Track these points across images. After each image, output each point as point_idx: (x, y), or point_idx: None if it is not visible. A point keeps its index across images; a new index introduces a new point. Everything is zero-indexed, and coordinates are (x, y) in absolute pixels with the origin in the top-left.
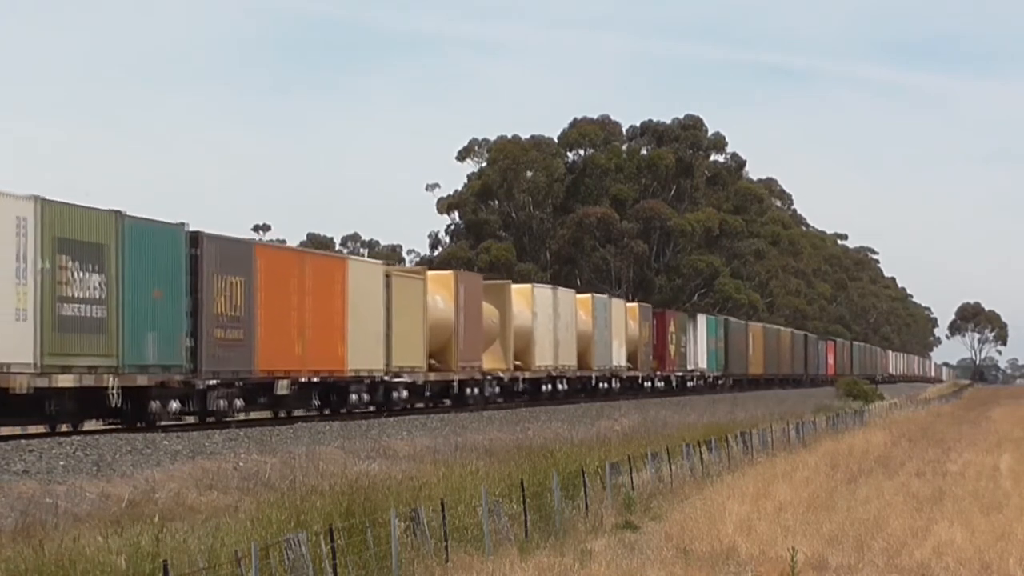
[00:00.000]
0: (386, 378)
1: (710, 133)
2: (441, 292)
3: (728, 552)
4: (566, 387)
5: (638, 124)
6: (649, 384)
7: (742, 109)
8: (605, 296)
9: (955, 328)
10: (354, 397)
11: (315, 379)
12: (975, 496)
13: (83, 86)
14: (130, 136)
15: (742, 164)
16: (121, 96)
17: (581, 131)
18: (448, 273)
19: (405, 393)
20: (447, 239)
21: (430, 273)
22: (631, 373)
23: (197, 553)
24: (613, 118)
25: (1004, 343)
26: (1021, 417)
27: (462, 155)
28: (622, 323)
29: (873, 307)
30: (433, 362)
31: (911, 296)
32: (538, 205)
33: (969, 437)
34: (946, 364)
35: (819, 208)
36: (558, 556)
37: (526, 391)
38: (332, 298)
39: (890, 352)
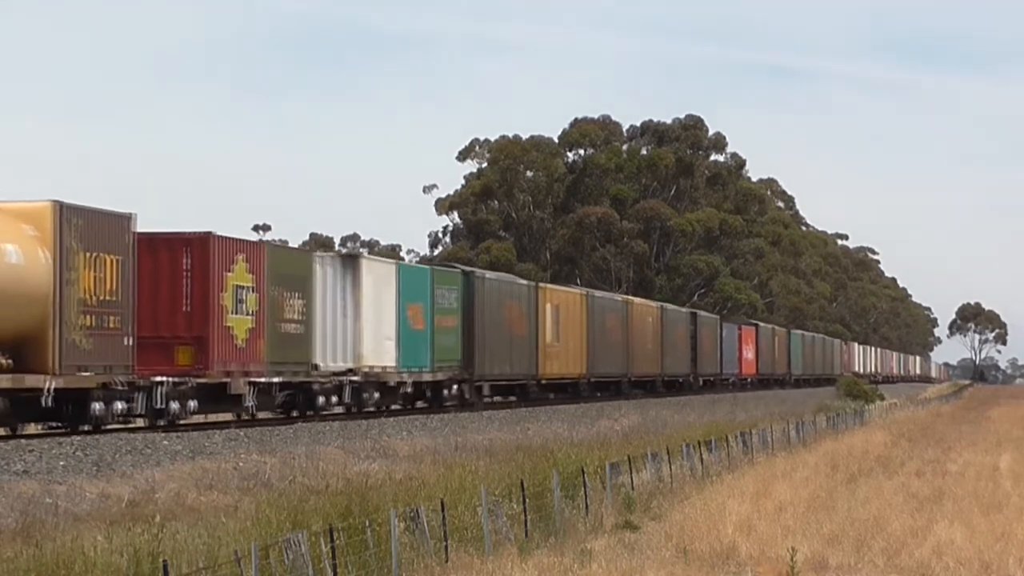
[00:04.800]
0: None
1: (710, 133)
2: None
3: (728, 552)
4: None
5: (638, 124)
6: (101, 406)
7: (742, 109)
8: None
9: (955, 328)
10: None
11: None
12: (975, 496)
13: (83, 86)
14: (129, 136)
15: (742, 164)
16: (120, 96)
17: (581, 131)
18: None
19: None
20: (447, 239)
21: None
22: None
23: (197, 553)
24: (613, 118)
25: (1004, 343)
26: (1021, 417)
27: (462, 155)
28: None
29: (873, 307)
30: None
31: (911, 296)
32: (538, 205)
33: (969, 437)
34: (946, 364)
35: (819, 208)
36: (558, 556)
37: None
38: None
39: (856, 346)
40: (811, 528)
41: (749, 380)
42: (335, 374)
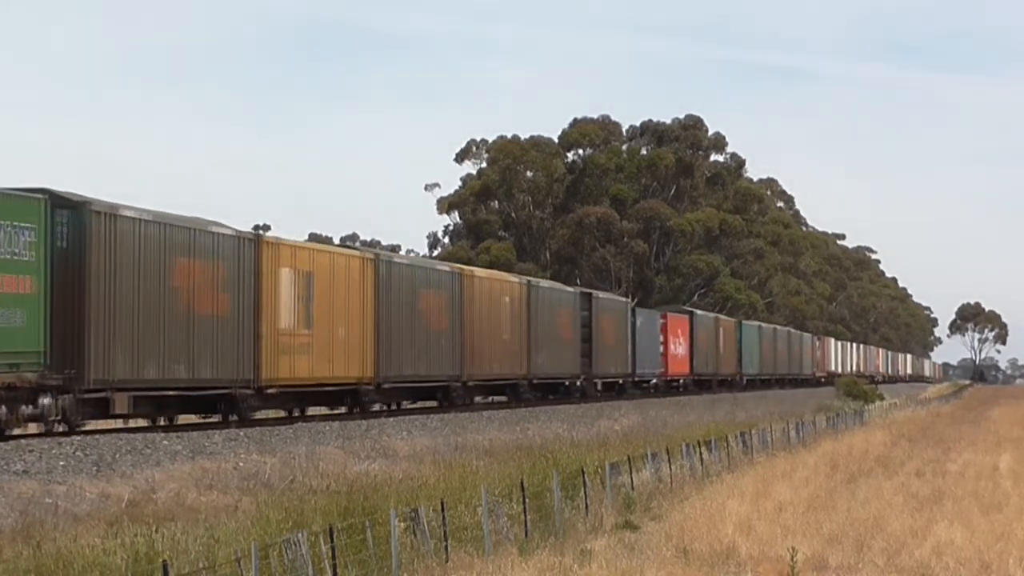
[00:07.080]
0: None
1: (710, 133)
2: None
3: (728, 552)
4: None
5: (638, 124)
6: None
7: (742, 109)
8: None
9: (955, 328)
10: None
11: None
12: (975, 496)
13: (84, 85)
14: (129, 135)
15: (742, 164)
16: (120, 94)
17: (581, 131)
18: None
19: None
20: (446, 239)
21: None
22: None
23: (197, 554)
24: (613, 118)
25: (1004, 343)
26: (1021, 417)
27: (461, 156)
28: None
29: (873, 307)
30: None
31: (911, 296)
32: (538, 205)
33: (969, 437)
34: (946, 364)
35: (819, 208)
36: (558, 556)
37: None
38: None
39: (831, 341)
40: (811, 528)
41: (680, 382)
42: None
